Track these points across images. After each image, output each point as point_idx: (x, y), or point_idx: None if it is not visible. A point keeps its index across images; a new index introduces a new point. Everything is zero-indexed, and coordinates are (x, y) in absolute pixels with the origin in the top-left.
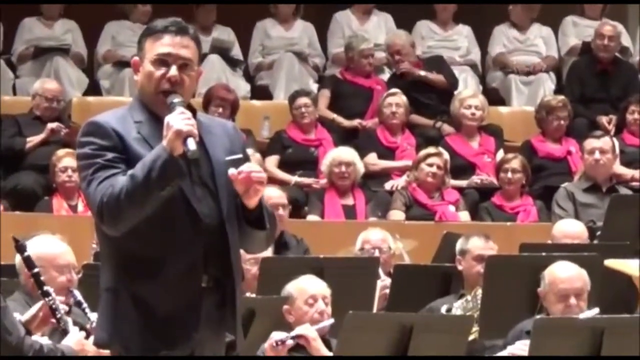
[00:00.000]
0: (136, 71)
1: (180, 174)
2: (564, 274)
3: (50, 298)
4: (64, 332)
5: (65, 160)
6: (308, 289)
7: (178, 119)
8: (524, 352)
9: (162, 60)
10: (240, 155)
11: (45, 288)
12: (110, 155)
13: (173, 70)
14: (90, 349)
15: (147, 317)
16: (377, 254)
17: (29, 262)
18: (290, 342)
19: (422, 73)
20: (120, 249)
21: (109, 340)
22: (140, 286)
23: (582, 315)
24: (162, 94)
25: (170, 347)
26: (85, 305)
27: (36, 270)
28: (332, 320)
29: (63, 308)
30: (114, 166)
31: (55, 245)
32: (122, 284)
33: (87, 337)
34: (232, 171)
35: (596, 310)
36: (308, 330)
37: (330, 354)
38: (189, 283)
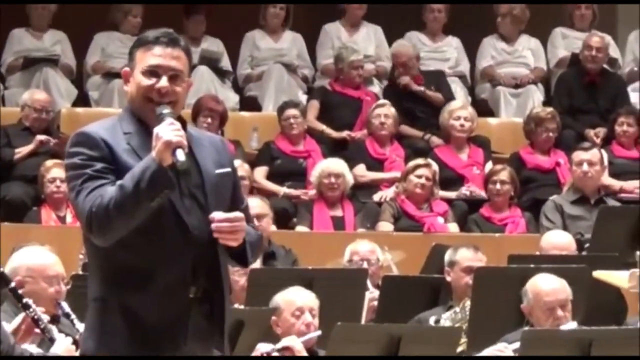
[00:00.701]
0: (126, 82)
1: (170, 185)
2: (547, 287)
3: (31, 310)
4: (51, 341)
5: (54, 171)
6: (295, 301)
7: (167, 130)
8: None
9: (153, 71)
10: (229, 169)
11: (25, 300)
12: (99, 165)
13: (163, 81)
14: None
15: (135, 328)
16: (365, 265)
17: (4, 278)
18: (276, 354)
19: (421, 89)
20: (109, 259)
21: (96, 350)
22: (129, 297)
23: (563, 327)
24: (152, 105)
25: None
26: (73, 316)
27: (12, 285)
28: (318, 332)
29: (45, 318)
30: (102, 177)
31: (45, 256)
32: (111, 294)
33: (76, 348)
34: (211, 216)
35: (574, 323)
36: (294, 342)
37: None
38: (177, 294)
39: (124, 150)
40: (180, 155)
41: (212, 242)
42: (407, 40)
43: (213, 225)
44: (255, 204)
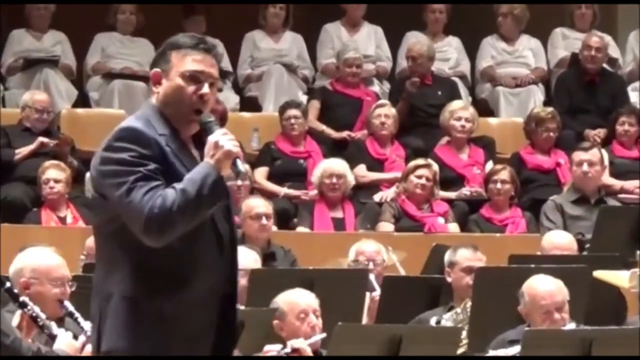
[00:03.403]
0: (156, 83)
1: (227, 193)
2: (543, 289)
3: (28, 308)
4: (51, 337)
5: (49, 172)
6: (299, 304)
7: (226, 140)
8: None
9: (194, 77)
10: None
11: (22, 299)
12: (152, 166)
13: (206, 88)
14: (84, 350)
15: (170, 334)
16: (371, 265)
17: None
18: (284, 357)
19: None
20: (146, 260)
21: (128, 349)
22: (165, 301)
23: (566, 328)
24: (194, 112)
25: None
26: (77, 315)
27: (7, 285)
28: (324, 335)
29: (43, 315)
30: (157, 178)
31: (51, 258)
32: (144, 296)
33: (84, 345)
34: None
35: (572, 324)
36: (302, 345)
37: None
38: (211, 303)
39: (168, 152)
40: (241, 166)
41: (235, 245)
42: (407, 40)
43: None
44: (260, 204)
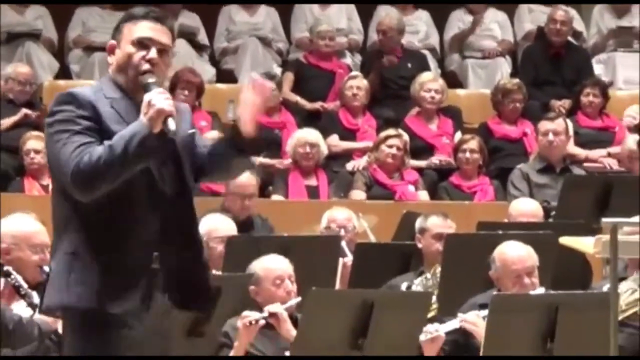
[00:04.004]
0: (112, 53)
1: (156, 150)
2: (514, 255)
3: (12, 277)
4: (31, 306)
5: (30, 142)
6: (274, 270)
7: (160, 98)
8: (476, 321)
9: (143, 43)
10: (194, 130)
11: (5, 268)
12: (85, 124)
13: (153, 52)
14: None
15: (103, 281)
16: (342, 232)
17: None
18: (262, 322)
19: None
20: (83, 216)
21: (58, 302)
22: (101, 253)
23: (533, 293)
24: (140, 74)
25: (119, 319)
26: None
27: None
28: (299, 299)
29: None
30: (89, 135)
31: (31, 224)
32: (83, 250)
33: None
34: (252, 77)
35: (542, 289)
36: (278, 309)
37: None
38: (145, 254)
39: (109, 112)
40: (172, 124)
41: (186, 205)
42: (378, 14)
43: (256, 83)
44: (248, 183)
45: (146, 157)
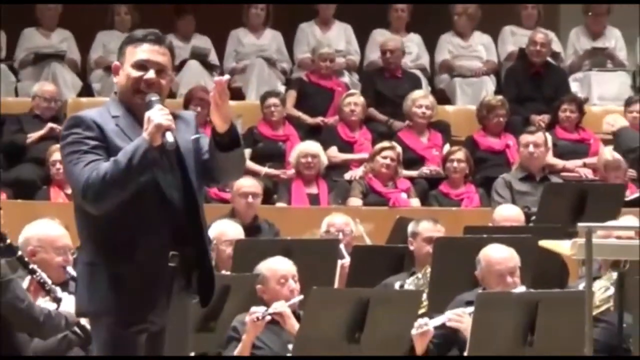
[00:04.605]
0: (116, 74)
1: (157, 162)
2: (498, 256)
3: (37, 274)
4: (56, 300)
5: (55, 154)
6: (279, 270)
7: (159, 114)
8: (461, 317)
9: (142, 65)
10: (199, 135)
11: (31, 266)
12: (92, 143)
13: (150, 74)
14: None
15: (120, 292)
16: (340, 236)
17: (12, 249)
18: (268, 318)
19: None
20: (98, 229)
21: (85, 309)
22: (115, 264)
23: (515, 291)
24: (140, 93)
25: (139, 320)
26: None
27: (19, 254)
28: (301, 297)
29: (49, 280)
30: (96, 153)
31: (55, 229)
32: (100, 260)
33: None
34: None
35: (523, 287)
36: (283, 307)
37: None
38: (158, 263)
39: (113, 130)
40: (170, 137)
41: (194, 212)
42: (374, 37)
43: (215, 83)
44: (252, 183)
45: (148, 168)
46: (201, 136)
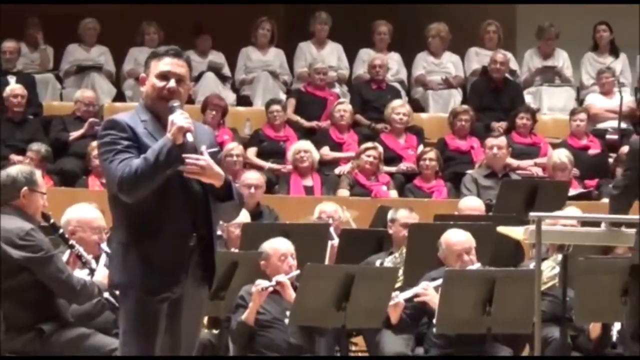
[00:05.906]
0: (142, 84)
1: (180, 158)
2: (455, 238)
3: (75, 249)
4: (91, 271)
5: (95, 150)
6: (280, 249)
7: (180, 118)
8: (428, 290)
9: (164, 76)
10: (216, 149)
11: (70, 242)
12: (125, 143)
13: (172, 83)
14: None
15: (148, 266)
16: (331, 221)
17: (54, 227)
18: (271, 288)
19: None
20: (131, 213)
21: (118, 281)
22: (145, 243)
23: (471, 267)
24: (163, 100)
25: (163, 290)
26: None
27: (60, 231)
28: (298, 272)
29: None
30: (128, 151)
31: (91, 211)
32: (131, 240)
33: None
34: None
35: (478, 264)
36: (283, 279)
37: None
38: (181, 242)
39: (143, 132)
40: (190, 137)
41: (207, 201)
42: (360, 55)
43: (186, 167)
44: (255, 177)
45: (173, 163)
46: (214, 151)
